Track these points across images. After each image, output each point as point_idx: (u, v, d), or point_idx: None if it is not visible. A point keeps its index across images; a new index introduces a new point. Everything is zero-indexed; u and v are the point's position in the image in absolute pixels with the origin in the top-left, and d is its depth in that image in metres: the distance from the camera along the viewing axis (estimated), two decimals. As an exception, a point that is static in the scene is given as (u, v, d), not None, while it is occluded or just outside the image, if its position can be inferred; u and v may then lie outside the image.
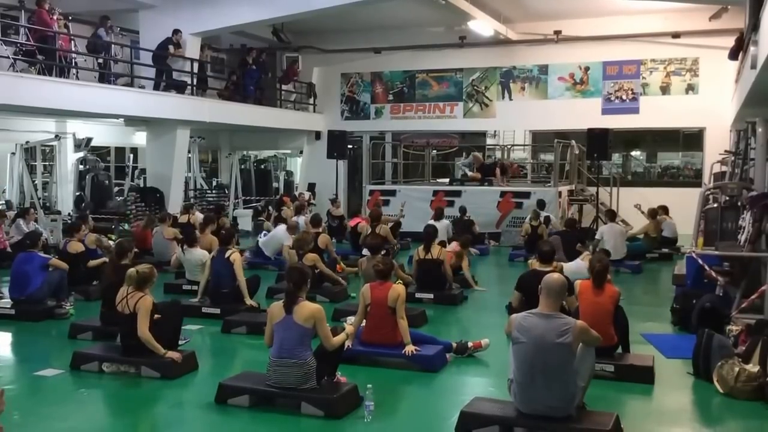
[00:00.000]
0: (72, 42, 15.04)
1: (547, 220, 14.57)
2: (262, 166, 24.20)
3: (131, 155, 21.88)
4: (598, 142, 16.13)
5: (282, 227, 12.83)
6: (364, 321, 6.90)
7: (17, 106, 13.46)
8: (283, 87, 21.98)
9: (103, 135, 19.68)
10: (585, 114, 19.20)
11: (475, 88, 21.16)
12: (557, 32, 19.80)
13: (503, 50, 20.67)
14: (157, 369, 6.41)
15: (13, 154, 17.40)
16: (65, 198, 18.30)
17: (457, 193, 16.99)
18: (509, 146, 20.17)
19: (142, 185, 18.80)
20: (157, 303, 6.81)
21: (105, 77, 15.60)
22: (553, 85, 20.34)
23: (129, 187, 19.82)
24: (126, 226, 15.95)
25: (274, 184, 23.78)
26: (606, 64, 19.80)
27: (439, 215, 13.62)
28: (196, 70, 17.65)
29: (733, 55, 13.51)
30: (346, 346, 6.16)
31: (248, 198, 21.91)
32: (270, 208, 18.05)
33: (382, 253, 8.90)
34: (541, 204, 15.30)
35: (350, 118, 22.47)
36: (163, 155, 17.41)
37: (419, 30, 20.83)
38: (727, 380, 6.00)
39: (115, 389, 6.27)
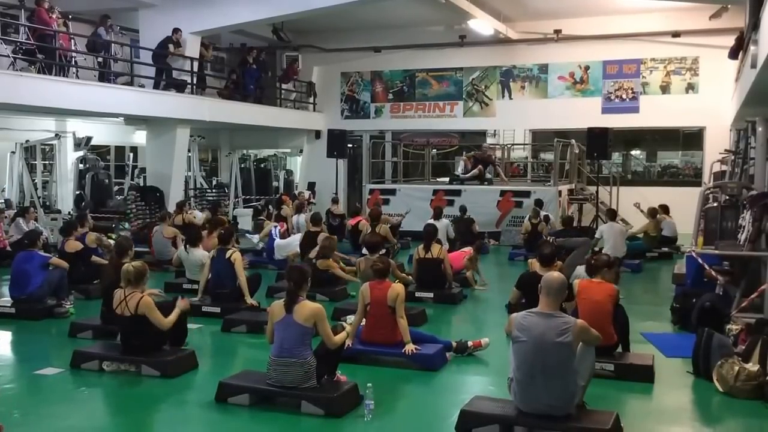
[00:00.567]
0: (72, 41, 15.04)
1: (547, 219, 14.57)
2: (262, 165, 24.20)
3: (131, 154, 21.87)
4: (598, 141, 16.13)
5: (298, 236, 12.70)
6: (364, 320, 6.90)
7: (17, 105, 13.44)
8: (283, 86, 21.97)
9: (103, 134, 19.66)
10: (585, 113, 19.19)
11: (475, 87, 21.16)
12: (557, 31, 19.79)
13: (503, 49, 20.67)
14: (157, 368, 6.42)
15: (13, 152, 17.40)
16: (65, 197, 18.30)
17: (457, 192, 17.00)
18: (509, 145, 20.17)
19: (142, 184, 18.79)
20: (159, 301, 6.82)
21: (105, 76, 15.59)
22: (553, 84, 20.34)
23: (129, 186, 19.81)
24: (126, 226, 15.95)
25: (274, 183, 23.77)
26: (606, 63, 19.80)
27: (438, 214, 13.62)
28: (196, 69, 17.64)
29: (733, 54, 13.51)
30: (345, 345, 6.17)
31: (248, 197, 21.91)
32: (270, 207, 18.04)
33: (381, 252, 8.92)
34: (539, 203, 15.31)
35: (350, 117, 22.47)
36: (163, 154, 17.41)
37: (419, 29, 20.83)
38: (727, 379, 6.01)
39: (116, 388, 6.27)
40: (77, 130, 18.28)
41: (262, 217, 15.45)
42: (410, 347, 6.66)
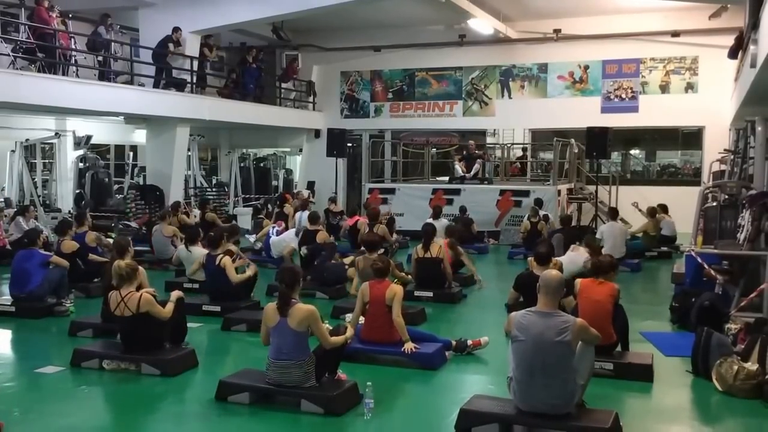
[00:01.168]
0: (72, 39, 15.04)
1: (546, 218, 14.58)
2: (262, 165, 24.21)
3: (131, 153, 21.89)
4: (598, 140, 16.15)
5: (291, 231, 12.76)
6: (362, 319, 6.91)
7: (17, 104, 13.46)
8: (283, 85, 21.98)
9: (103, 133, 19.66)
10: (584, 112, 19.20)
11: (475, 86, 21.17)
12: (557, 31, 19.80)
13: (503, 49, 20.67)
14: (157, 366, 6.43)
15: (13, 151, 17.41)
16: (65, 196, 18.31)
17: (457, 192, 17.01)
18: (509, 145, 20.18)
19: (141, 183, 18.81)
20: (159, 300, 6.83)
21: (105, 75, 15.60)
22: (553, 83, 20.35)
23: (129, 184, 19.82)
24: (132, 224, 15.96)
25: (274, 183, 23.78)
26: (605, 62, 19.80)
27: (437, 214, 13.61)
28: (196, 68, 17.65)
29: (733, 53, 13.52)
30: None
31: (248, 196, 21.92)
32: (269, 206, 18.06)
33: (380, 251, 8.93)
34: (538, 202, 15.32)
35: (350, 116, 22.47)
36: (163, 153, 17.41)
37: (419, 28, 20.84)
38: (726, 378, 6.02)
39: (116, 386, 6.28)
40: (77, 129, 18.28)
41: (261, 216, 15.46)
42: (409, 346, 6.67)
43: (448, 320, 9.00)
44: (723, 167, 15.51)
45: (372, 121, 22.25)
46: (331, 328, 6.24)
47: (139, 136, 19.86)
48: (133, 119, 18.68)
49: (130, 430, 5.49)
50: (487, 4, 18.32)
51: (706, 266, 8.38)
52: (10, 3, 15.51)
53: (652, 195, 16.38)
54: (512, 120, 20.48)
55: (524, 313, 4.96)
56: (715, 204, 10.12)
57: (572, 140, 17.84)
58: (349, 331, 6.29)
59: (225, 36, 21.18)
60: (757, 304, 7.70)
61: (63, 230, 10.43)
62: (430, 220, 12.64)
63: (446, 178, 19.14)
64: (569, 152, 18.08)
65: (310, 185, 21.42)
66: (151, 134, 17.78)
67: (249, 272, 9.00)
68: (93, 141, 18.48)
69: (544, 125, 20.23)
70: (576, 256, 10.42)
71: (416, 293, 9.57)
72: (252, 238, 14.10)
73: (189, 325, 7.33)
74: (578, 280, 6.85)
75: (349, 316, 7.43)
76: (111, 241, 11.01)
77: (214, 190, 21.02)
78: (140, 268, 7.32)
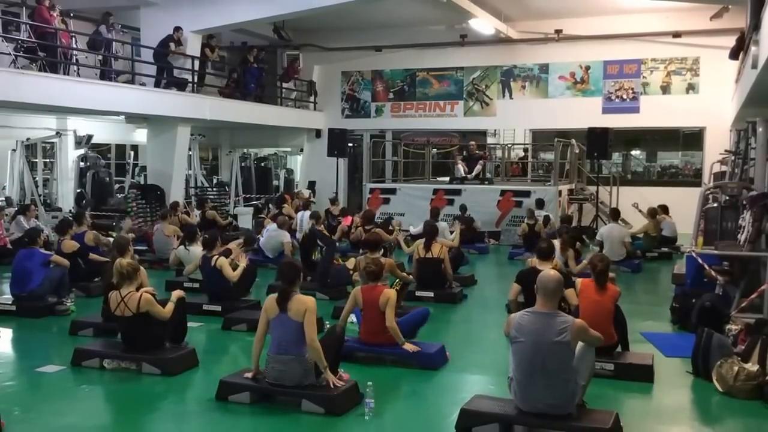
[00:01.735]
0: (73, 39, 15.05)
1: (547, 219, 14.56)
2: (263, 164, 24.20)
3: (132, 152, 21.89)
4: (599, 141, 16.15)
5: (273, 225, 12.84)
6: (353, 317, 6.91)
7: (18, 103, 13.46)
8: (284, 85, 21.98)
9: (104, 132, 19.67)
10: (585, 113, 19.21)
11: (476, 86, 21.17)
12: (558, 31, 19.80)
13: (504, 49, 20.67)
14: (157, 366, 6.43)
15: (14, 150, 17.41)
16: (66, 195, 18.31)
17: (458, 192, 17.00)
18: (509, 145, 20.18)
19: (142, 182, 18.81)
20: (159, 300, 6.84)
21: (106, 74, 15.61)
22: (554, 84, 20.35)
23: (129, 184, 19.82)
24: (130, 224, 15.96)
25: (275, 182, 23.78)
26: (607, 63, 19.80)
27: (435, 215, 13.53)
28: (197, 67, 17.65)
29: (734, 54, 13.53)
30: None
31: (248, 196, 21.92)
32: (270, 206, 18.06)
33: (381, 252, 8.94)
34: (539, 203, 15.32)
35: (351, 116, 22.47)
36: (164, 152, 17.42)
37: (420, 28, 20.84)
38: (727, 379, 6.02)
39: (116, 386, 6.29)
40: (78, 128, 18.29)
41: (262, 216, 15.48)
42: (409, 347, 6.67)
43: (449, 320, 9.01)
44: (724, 168, 15.49)
45: (373, 121, 22.26)
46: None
47: (140, 135, 19.86)
48: (134, 119, 18.68)
49: (130, 430, 5.49)
50: (489, 5, 18.33)
51: (706, 267, 8.38)
52: (11, 2, 15.52)
53: (653, 196, 16.38)
54: (513, 120, 20.48)
55: (523, 314, 4.95)
56: (715, 205, 10.11)
57: (573, 141, 17.83)
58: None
59: (226, 36, 21.19)
60: (758, 305, 7.70)
61: (63, 230, 10.43)
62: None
63: (447, 179, 19.14)
64: (570, 153, 18.07)
65: (311, 185, 21.43)
66: (152, 134, 17.78)
67: (242, 263, 8.99)
68: (94, 140, 18.49)
69: (545, 125, 20.22)
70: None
71: (417, 293, 9.58)
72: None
73: (189, 324, 7.33)
74: (579, 280, 6.85)
75: (353, 318, 7.41)
76: (110, 239, 11.03)
77: (214, 189, 21.02)
78: (141, 267, 7.34)
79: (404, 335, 6.82)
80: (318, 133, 22.27)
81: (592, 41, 19.59)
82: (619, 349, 6.67)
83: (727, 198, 9.81)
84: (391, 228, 13.07)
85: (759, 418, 5.65)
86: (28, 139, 17.36)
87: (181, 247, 10.51)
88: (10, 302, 9.03)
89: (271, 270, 11.78)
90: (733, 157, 14.05)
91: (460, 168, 17.87)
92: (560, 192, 16.45)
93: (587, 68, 19.98)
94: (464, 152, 18.50)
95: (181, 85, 17.05)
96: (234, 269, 8.86)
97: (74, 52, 15.01)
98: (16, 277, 9.08)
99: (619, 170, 20.47)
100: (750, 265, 8.42)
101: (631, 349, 6.85)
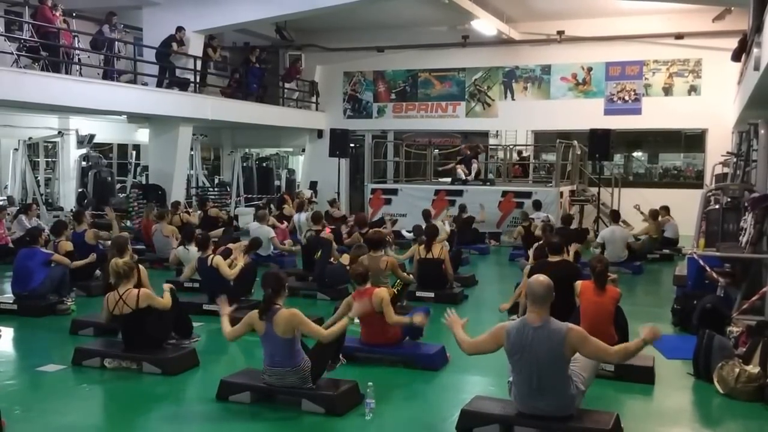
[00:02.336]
0: (76, 38, 15.06)
1: (547, 221, 14.50)
2: (264, 164, 24.21)
3: (134, 152, 21.90)
4: (600, 142, 16.14)
5: (254, 224, 12.89)
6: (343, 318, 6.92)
7: (20, 102, 13.49)
8: (286, 85, 21.99)
9: (106, 132, 19.68)
10: (587, 114, 19.20)
11: (478, 87, 21.16)
12: (560, 32, 19.79)
13: (506, 50, 20.67)
14: (158, 365, 6.44)
15: (16, 150, 17.44)
16: (67, 194, 18.33)
17: (459, 193, 17.00)
18: (511, 146, 20.18)
19: (144, 182, 18.83)
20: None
21: (108, 74, 15.63)
22: (556, 85, 20.34)
23: (131, 183, 19.84)
24: (128, 224, 15.96)
25: (276, 183, 23.78)
26: (609, 64, 19.79)
27: (427, 217, 13.45)
28: (199, 67, 17.66)
29: (736, 56, 13.51)
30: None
31: (250, 196, 21.93)
32: (272, 206, 18.06)
33: (383, 251, 8.96)
34: (537, 204, 15.29)
35: (352, 116, 22.47)
36: (166, 152, 17.44)
37: (422, 29, 20.84)
38: (728, 381, 6.02)
39: (117, 385, 6.29)
40: (80, 128, 18.31)
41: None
42: (418, 319, 6.62)
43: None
44: (725, 170, 15.48)
45: (375, 121, 22.26)
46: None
47: (142, 135, 19.88)
48: (136, 118, 18.69)
49: (130, 429, 5.49)
50: (491, 6, 18.33)
51: (708, 269, 8.37)
52: (14, 1, 15.54)
53: (655, 197, 16.38)
54: (515, 121, 20.46)
55: (517, 328, 4.84)
56: (717, 207, 10.10)
57: (575, 142, 17.82)
58: (344, 321, 6.27)
59: (228, 36, 21.20)
60: (759, 307, 7.68)
61: (58, 231, 10.43)
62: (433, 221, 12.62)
63: (449, 179, 19.12)
64: (572, 154, 18.06)
65: (313, 185, 21.43)
66: (154, 133, 17.80)
67: (241, 262, 8.96)
68: (96, 140, 18.52)
69: (546, 127, 20.21)
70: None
71: (418, 294, 9.58)
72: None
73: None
74: (579, 282, 6.84)
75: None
76: (108, 233, 11.04)
77: (216, 189, 21.03)
78: (141, 267, 7.35)
79: (410, 336, 6.86)
80: (320, 134, 22.27)
81: (594, 42, 19.58)
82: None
83: (729, 200, 9.81)
84: (384, 227, 13.08)
85: (760, 420, 5.64)
86: (30, 138, 17.39)
87: (181, 247, 10.51)
88: (11, 301, 9.05)
89: (270, 269, 11.84)
90: (734, 159, 14.04)
91: (460, 172, 17.82)
92: (562, 193, 16.44)
93: (589, 69, 19.97)
94: (457, 156, 18.48)
95: (183, 85, 17.07)
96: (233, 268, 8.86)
97: (77, 51, 15.02)
98: (17, 276, 9.10)
99: (621, 172, 20.45)
100: (751, 267, 8.40)
101: (632, 350, 6.84)
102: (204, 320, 8.46)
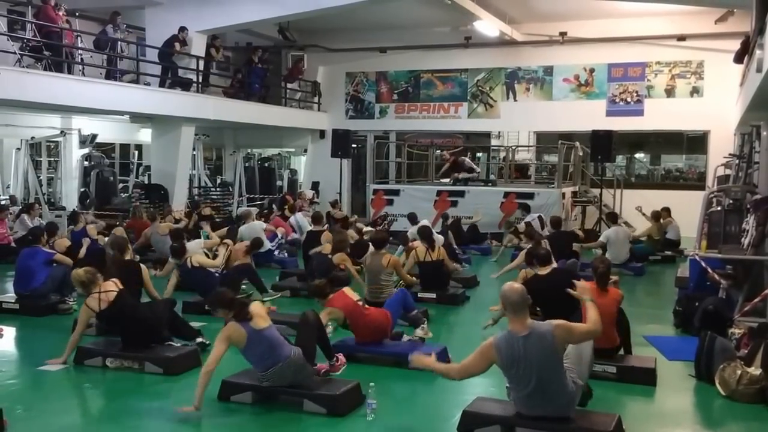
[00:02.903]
0: (78, 38, 15.07)
1: (541, 220, 14.48)
2: (266, 165, 24.21)
3: (136, 152, 21.92)
4: (602, 143, 16.12)
5: (243, 226, 12.94)
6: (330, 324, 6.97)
7: (23, 102, 13.48)
8: (288, 85, 22.00)
9: (108, 131, 19.68)
10: (589, 116, 19.20)
11: (480, 88, 21.16)
12: (563, 34, 19.78)
13: (508, 51, 20.66)
14: (159, 365, 6.45)
15: (19, 149, 17.45)
16: (70, 194, 18.32)
17: (461, 193, 17.00)
18: (513, 147, 20.17)
19: (146, 182, 18.84)
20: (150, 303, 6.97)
21: (111, 74, 15.64)
22: (558, 86, 20.33)
23: (133, 183, 19.86)
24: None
25: (278, 183, 23.78)
26: (611, 66, 19.77)
27: (413, 221, 13.43)
28: (201, 67, 17.68)
29: (739, 58, 13.48)
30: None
31: (252, 196, 21.93)
32: (273, 206, 18.06)
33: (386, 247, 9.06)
34: (525, 207, 15.34)
35: (354, 117, 22.47)
36: (168, 152, 17.45)
37: (424, 30, 20.84)
38: (729, 383, 6.01)
39: (118, 385, 6.30)
40: (82, 128, 18.30)
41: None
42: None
43: (451, 322, 9.01)
44: (728, 172, 15.48)
45: (377, 122, 22.26)
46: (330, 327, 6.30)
47: (145, 135, 19.89)
48: (138, 118, 18.71)
49: (132, 429, 5.49)
50: (493, 7, 18.33)
51: (710, 270, 8.37)
52: (17, 1, 15.55)
53: (657, 199, 16.36)
54: (517, 122, 20.46)
55: (506, 341, 4.79)
56: (719, 208, 10.12)
57: (577, 143, 17.80)
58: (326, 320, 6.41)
59: (231, 36, 21.20)
60: (761, 309, 7.69)
61: (51, 233, 10.47)
62: (425, 222, 12.51)
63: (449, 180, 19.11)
64: (574, 155, 18.05)
65: (315, 186, 21.45)
66: (156, 133, 17.82)
67: (222, 250, 8.97)
68: (98, 139, 18.52)
69: (549, 128, 20.20)
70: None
71: (420, 295, 9.58)
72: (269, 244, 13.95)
73: (192, 324, 7.37)
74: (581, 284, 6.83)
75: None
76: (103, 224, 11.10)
77: (218, 189, 21.02)
78: (143, 266, 7.36)
79: (398, 317, 7.14)
80: (322, 134, 22.28)
81: (596, 44, 19.57)
82: (621, 352, 6.66)
83: (731, 201, 9.82)
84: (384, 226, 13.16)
85: (761, 422, 5.64)
86: (32, 137, 17.40)
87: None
88: (13, 301, 9.06)
89: (274, 270, 11.84)
90: (737, 161, 14.05)
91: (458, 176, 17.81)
92: (564, 194, 16.43)
93: (592, 71, 19.96)
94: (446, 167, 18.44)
95: (185, 85, 17.08)
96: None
97: (80, 51, 15.04)
98: (19, 276, 9.12)
99: (623, 173, 20.44)
100: (753, 268, 8.41)
101: (634, 352, 6.84)
102: (206, 320, 8.46)
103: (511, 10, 19.09)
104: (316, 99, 22.59)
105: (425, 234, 10.21)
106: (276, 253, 13.02)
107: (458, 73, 21.39)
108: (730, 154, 15.72)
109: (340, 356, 6.08)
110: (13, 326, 8.36)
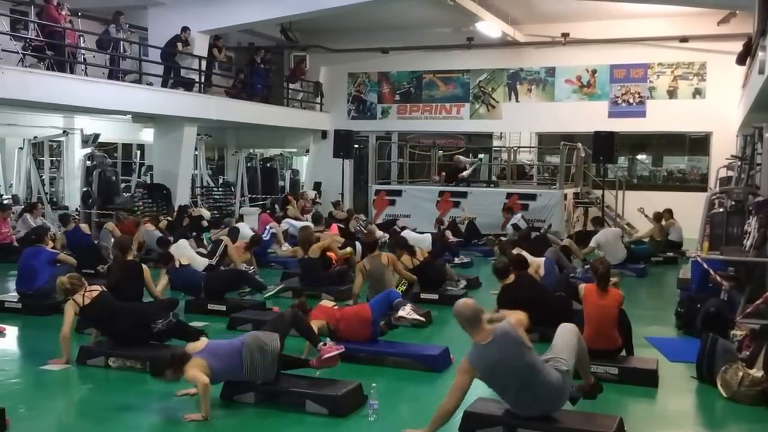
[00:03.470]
0: (81, 38, 15.09)
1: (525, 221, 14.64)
2: (269, 165, 24.23)
3: (138, 152, 21.93)
4: (605, 145, 16.10)
5: (241, 223, 13.07)
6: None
7: (25, 101, 13.50)
8: (290, 86, 22.02)
9: (111, 131, 19.67)
10: (591, 117, 19.19)
11: (482, 89, 21.16)
12: (565, 35, 19.77)
13: (510, 52, 20.66)
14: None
15: (21, 149, 17.47)
16: (72, 193, 18.34)
17: (463, 194, 17.00)
18: (515, 148, 20.18)
19: (148, 182, 18.85)
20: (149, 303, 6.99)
21: (113, 74, 15.66)
22: (560, 87, 20.33)
23: (136, 183, 19.87)
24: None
25: (280, 183, 23.80)
26: (613, 67, 19.77)
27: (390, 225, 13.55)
28: (204, 67, 17.69)
29: (741, 60, 13.50)
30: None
31: (254, 196, 21.96)
32: (276, 206, 18.07)
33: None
34: (509, 209, 15.46)
35: (357, 117, 22.48)
36: (170, 152, 17.47)
37: (427, 30, 20.84)
38: (731, 385, 6.01)
39: (121, 384, 6.31)
40: (85, 127, 18.31)
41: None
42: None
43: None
44: (730, 173, 15.47)
45: (379, 122, 22.27)
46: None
47: (147, 134, 19.91)
48: (140, 118, 18.72)
49: (135, 429, 5.50)
50: (495, 7, 18.33)
51: (711, 272, 8.37)
52: (20, 0, 15.58)
53: (659, 200, 16.34)
54: (519, 123, 20.47)
55: (477, 354, 4.81)
56: (721, 210, 10.12)
57: (579, 144, 17.80)
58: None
59: (233, 36, 21.23)
60: (763, 310, 7.69)
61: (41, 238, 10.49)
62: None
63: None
64: (576, 156, 18.05)
65: (317, 186, 21.46)
66: (159, 133, 17.83)
67: (164, 279, 8.89)
68: (101, 139, 18.52)
69: (551, 129, 20.20)
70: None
71: (422, 295, 9.59)
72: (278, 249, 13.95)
73: (194, 324, 7.38)
74: (582, 286, 6.84)
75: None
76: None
77: (220, 189, 21.03)
78: (144, 266, 7.37)
79: (385, 312, 7.14)
80: (324, 134, 22.29)
81: (599, 45, 19.56)
82: (623, 353, 6.67)
83: (733, 203, 9.83)
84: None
85: (763, 424, 5.64)
86: (35, 137, 17.42)
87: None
88: (15, 300, 9.07)
89: (275, 270, 11.85)
90: (739, 163, 14.04)
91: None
92: (566, 196, 16.43)
93: (594, 72, 19.96)
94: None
95: (188, 85, 17.09)
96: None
97: (82, 51, 15.06)
98: (22, 275, 9.14)
99: (625, 174, 20.43)
100: (755, 270, 8.41)
101: (636, 353, 6.85)
102: (209, 320, 8.49)
103: (513, 11, 19.09)
104: (318, 99, 22.60)
105: (402, 244, 10.28)
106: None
107: (460, 74, 21.40)
108: (732, 156, 15.71)
109: (327, 340, 6.14)
110: (15, 326, 8.38)
